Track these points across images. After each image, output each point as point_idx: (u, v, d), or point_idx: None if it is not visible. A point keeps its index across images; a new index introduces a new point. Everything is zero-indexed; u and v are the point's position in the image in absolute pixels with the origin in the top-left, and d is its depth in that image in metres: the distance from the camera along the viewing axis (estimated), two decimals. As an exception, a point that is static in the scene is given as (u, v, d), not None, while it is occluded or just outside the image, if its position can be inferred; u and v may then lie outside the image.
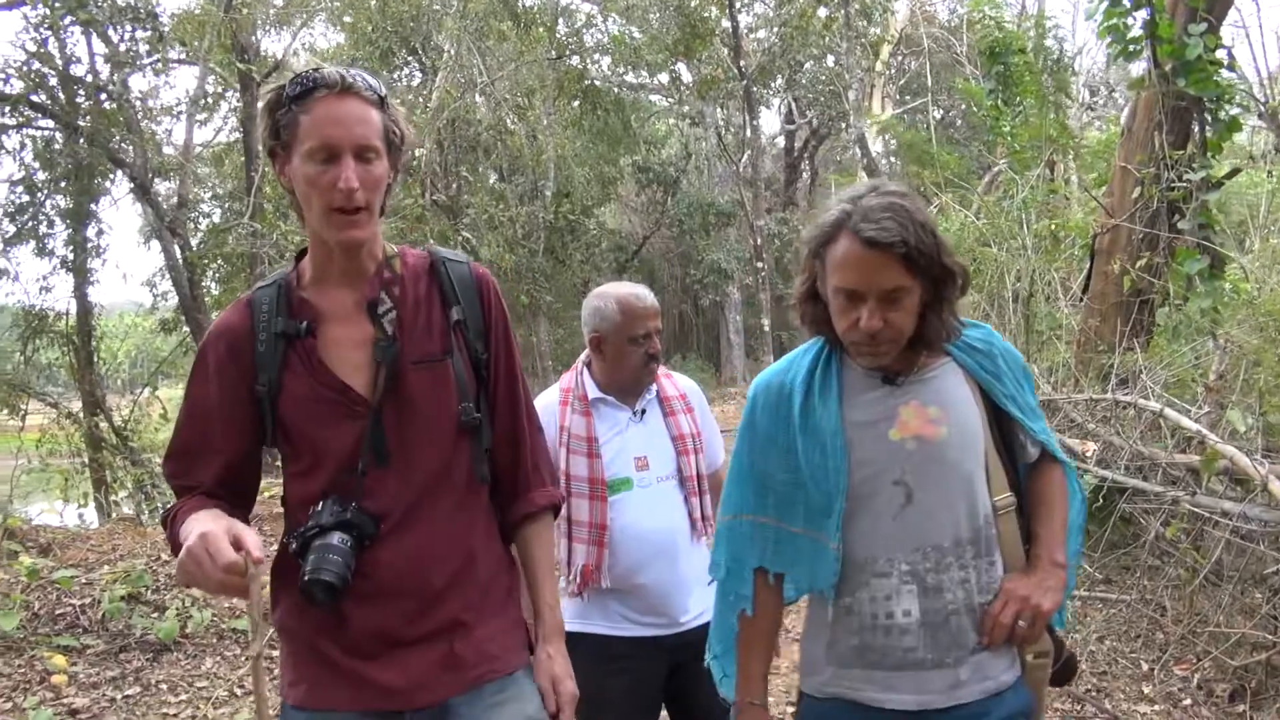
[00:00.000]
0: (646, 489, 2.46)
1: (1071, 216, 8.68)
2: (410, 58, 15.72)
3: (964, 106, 11.16)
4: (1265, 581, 3.08)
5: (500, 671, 1.70)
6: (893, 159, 26.21)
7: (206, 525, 1.48)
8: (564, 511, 2.38)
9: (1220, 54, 6.57)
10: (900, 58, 22.61)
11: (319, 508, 1.62)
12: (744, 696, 1.82)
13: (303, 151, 1.57)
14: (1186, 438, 3.67)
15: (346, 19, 13.08)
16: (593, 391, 2.53)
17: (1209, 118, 6.24)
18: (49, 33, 9.09)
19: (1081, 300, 7.20)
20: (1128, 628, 3.77)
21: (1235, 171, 6.65)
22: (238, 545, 1.45)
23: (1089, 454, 4.48)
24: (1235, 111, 6.41)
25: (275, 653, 3.21)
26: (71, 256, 10.44)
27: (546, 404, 2.54)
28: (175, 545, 1.56)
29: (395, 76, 15.35)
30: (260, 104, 1.65)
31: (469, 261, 1.79)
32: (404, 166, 1.71)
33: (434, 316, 1.72)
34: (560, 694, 1.75)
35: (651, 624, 2.43)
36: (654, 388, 2.55)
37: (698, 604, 2.37)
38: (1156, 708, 3.22)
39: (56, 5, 8.77)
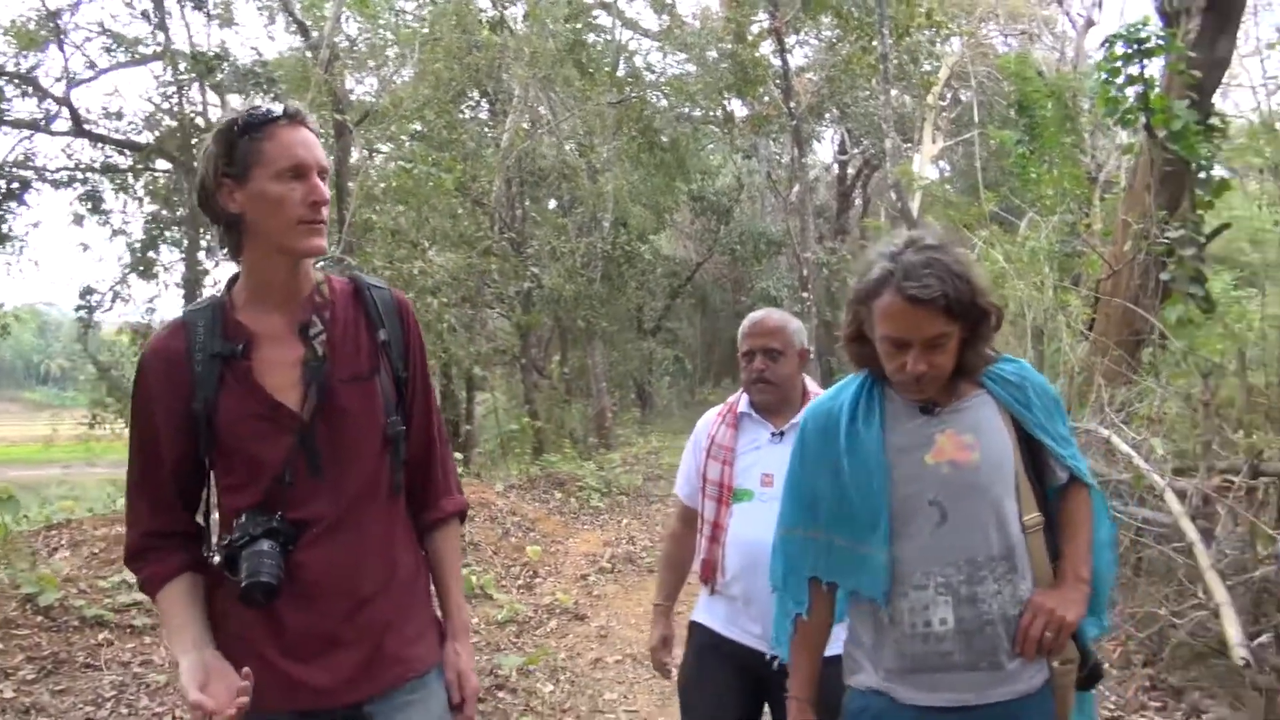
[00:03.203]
0: (765, 504, 2.50)
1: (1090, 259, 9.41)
2: (482, 99, 16.90)
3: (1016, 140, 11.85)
4: (1171, 571, 3.86)
5: (416, 672, 1.81)
6: (948, 187, 26.89)
7: (187, 673, 1.62)
8: (700, 510, 2.68)
9: (1214, 120, 7.34)
10: (954, 89, 23.30)
11: (242, 520, 1.69)
12: (793, 690, 2.01)
13: (271, 173, 1.68)
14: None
15: (425, 65, 14.19)
16: (742, 407, 2.70)
17: (1200, 179, 7.00)
18: (174, 90, 10.38)
19: (1087, 338, 7.97)
20: (1081, 616, 4.55)
21: (1224, 227, 7.37)
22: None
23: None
24: (1224, 174, 7.16)
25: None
26: (183, 281, 11.75)
27: (706, 418, 2.78)
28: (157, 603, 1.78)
29: (468, 116, 16.50)
30: (210, 137, 1.76)
31: (390, 288, 1.92)
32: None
33: (361, 338, 1.82)
34: (465, 687, 1.88)
35: (754, 636, 2.52)
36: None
37: None
38: (1082, 671, 4.00)
39: (183, 69, 10.05)
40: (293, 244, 1.72)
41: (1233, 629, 2.70)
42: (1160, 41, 6.88)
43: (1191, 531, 3.29)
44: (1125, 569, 4.39)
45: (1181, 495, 3.64)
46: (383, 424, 1.79)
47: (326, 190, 1.74)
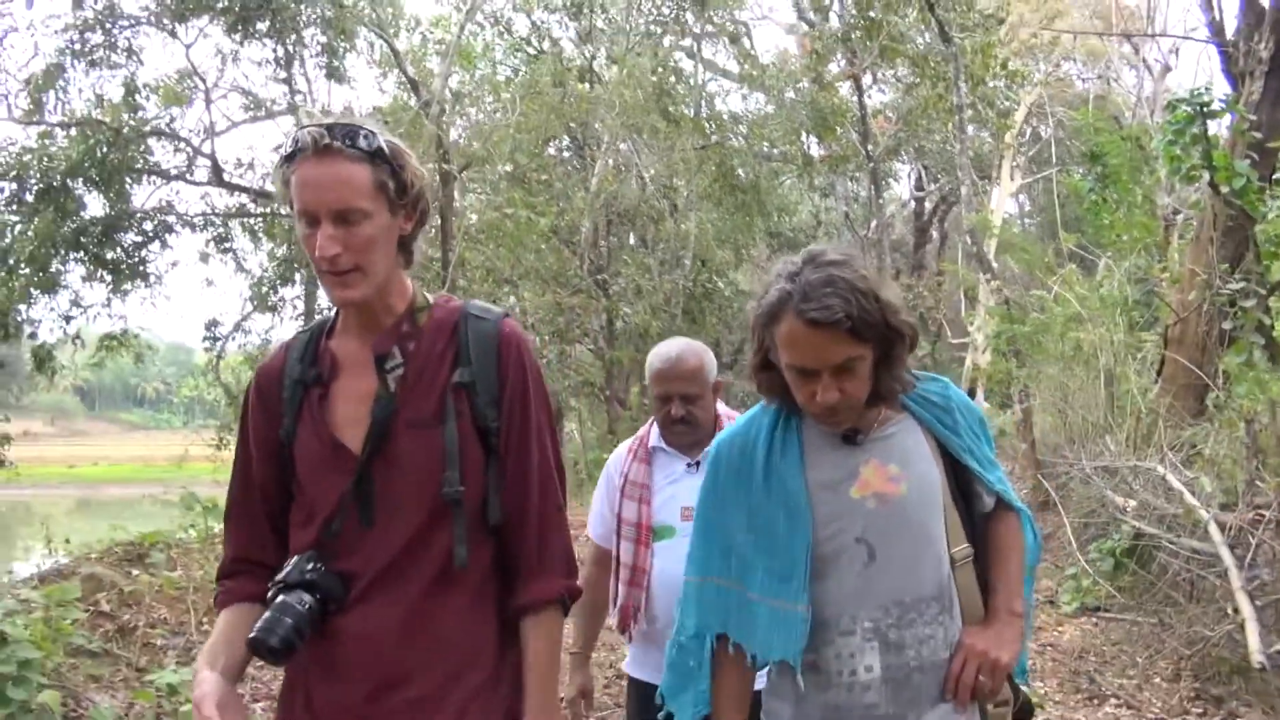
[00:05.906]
0: (689, 539, 2.75)
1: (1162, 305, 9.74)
2: (571, 143, 17.86)
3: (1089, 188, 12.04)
4: (1213, 594, 4.32)
5: None
6: (1025, 220, 27.06)
7: (209, 687, 1.50)
8: (615, 552, 2.56)
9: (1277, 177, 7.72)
10: (1033, 126, 23.49)
11: (291, 563, 1.57)
12: None
13: (295, 212, 1.54)
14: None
15: (527, 115, 15.14)
16: (654, 440, 2.58)
17: (1260, 234, 7.39)
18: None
19: (1157, 381, 8.34)
20: (1139, 638, 5.01)
21: (1287, 278, 7.70)
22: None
23: (1127, 509, 5.74)
24: (1287, 227, 7.52)
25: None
26: (303, 315, 12.85)
27: (617, 453, 2.66)
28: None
29: (560, 159, 17.46)
30: None
31: (498, 318, 1.68)
32: (425, 208, 1.64)
33: (440, 377, 1.62)
34: None
35: None
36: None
37: None
38: (1134, 682, 4.51)
39: (311, 121, 11.12)
40: (325, 289, 1.59)
41: (1254, 639, 3.18)
42: (1222, 104, 7.32)
43: (1228, 557, 3.77)
44: (1178, 594, 4.85)
45: (1223, 527, 4.12)
46: (440, 480, 1.57)
47: (348, 236, 1.51)
